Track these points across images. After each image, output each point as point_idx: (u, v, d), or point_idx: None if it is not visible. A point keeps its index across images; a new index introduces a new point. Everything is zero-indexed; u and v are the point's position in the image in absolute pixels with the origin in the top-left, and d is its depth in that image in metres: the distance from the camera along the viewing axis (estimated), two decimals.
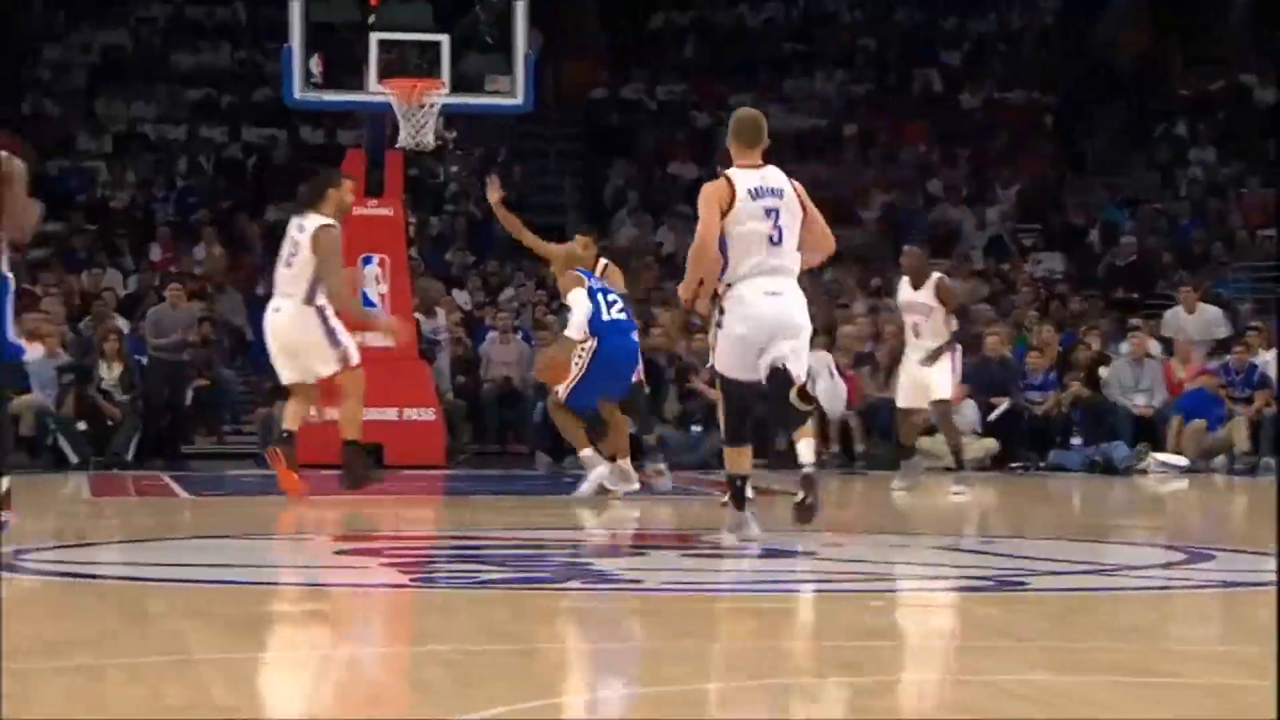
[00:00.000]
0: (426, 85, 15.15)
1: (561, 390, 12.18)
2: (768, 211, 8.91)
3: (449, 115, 15.99)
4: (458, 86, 15.44)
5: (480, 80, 15.82)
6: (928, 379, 13.12)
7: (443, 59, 15.29)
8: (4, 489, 8.92)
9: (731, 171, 9.04)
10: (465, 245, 21.79)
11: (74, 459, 15.90)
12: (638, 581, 8.01)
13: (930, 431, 14.67)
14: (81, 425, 16.18)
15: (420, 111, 15.11)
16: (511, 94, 15.80)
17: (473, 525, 11.16)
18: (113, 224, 21.73)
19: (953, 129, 25.14)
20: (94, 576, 8.32)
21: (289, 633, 6.61)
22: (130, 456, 16.21)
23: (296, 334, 11.52)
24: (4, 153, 8.68)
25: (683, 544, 9.86)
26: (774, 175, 9.04)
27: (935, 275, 13.28)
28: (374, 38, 15.30)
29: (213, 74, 24.94)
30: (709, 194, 8.97)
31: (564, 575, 8.34)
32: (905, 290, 13.37)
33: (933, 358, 13.05)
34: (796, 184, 9.11)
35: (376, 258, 16.42)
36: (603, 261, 12.65)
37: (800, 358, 8.92)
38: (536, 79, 16.26)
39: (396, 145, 15.53)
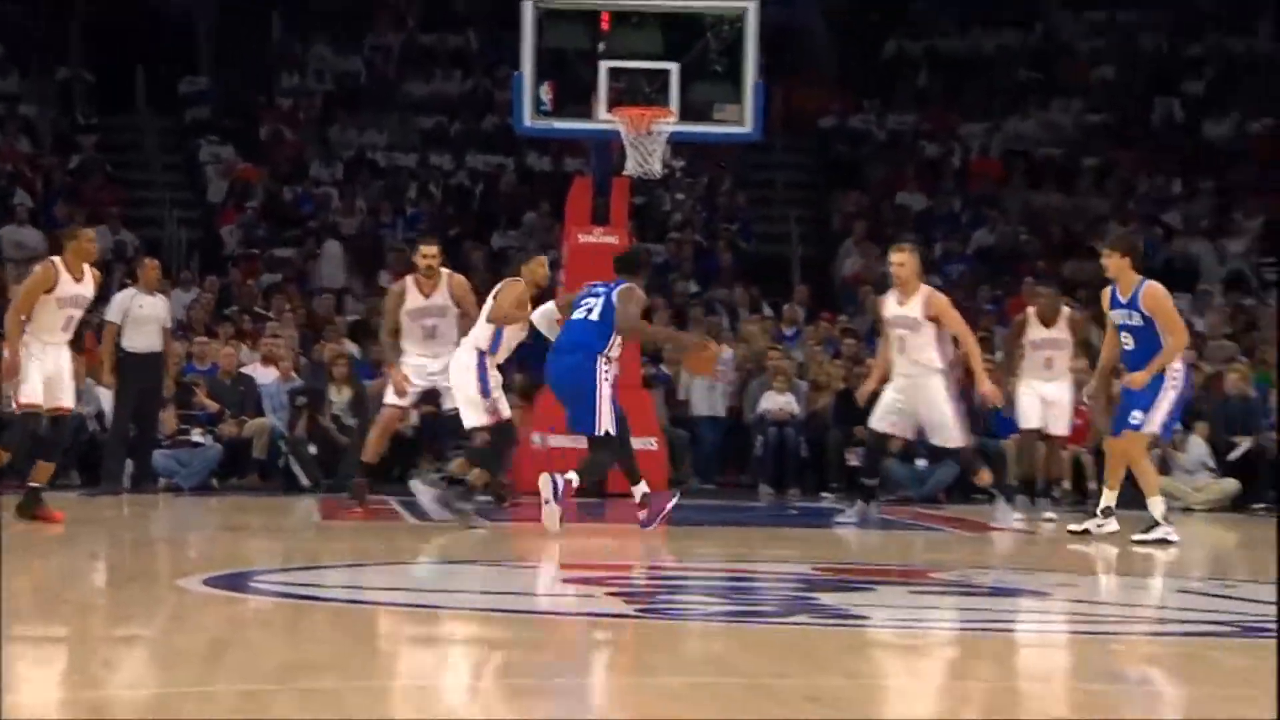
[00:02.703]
0: (655, 114, 15.30)
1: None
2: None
3: (676, 143, 16.10)
4: (686, 115, 15.57)
5: (709, 109, 15.92)
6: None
7: (672, 87, 15.43)
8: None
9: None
10: (691, 274, 21.88)
11: (305, 482, 16.29)
12: (864, 618, 8.00)
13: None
14: (313, 449, 16.56)
15: (648, 140, 15.26)
16: (740, 122, 15.90)
17: (696, 556, 11.25)
18: (345, 249, 22.22)
19: (1194, 160, 24.63)
20: (325, 599, 8.54)
21: (516, 661, 6.72)
22: None
23: None
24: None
25: (912, 579, 9.83)
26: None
27: (1067, 311, 14.10)
28: (604, 66, 15.49)
29: (443, 102, 25.42)
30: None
31: (789, 609, 8.35)
32: (1036, 329, 14.03)
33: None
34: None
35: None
36: None
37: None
38: (765, 108, 16.32)
39: (624, 173, 15.70)
